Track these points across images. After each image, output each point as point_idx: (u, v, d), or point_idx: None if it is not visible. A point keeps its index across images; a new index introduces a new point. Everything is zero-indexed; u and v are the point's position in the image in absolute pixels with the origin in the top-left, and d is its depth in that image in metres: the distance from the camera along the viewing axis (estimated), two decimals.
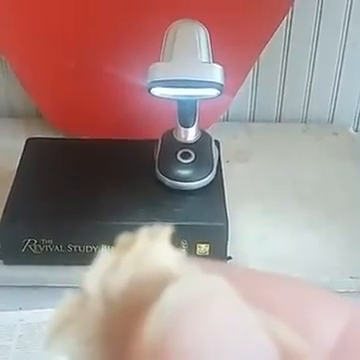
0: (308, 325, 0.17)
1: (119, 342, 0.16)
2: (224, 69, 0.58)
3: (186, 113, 0.65)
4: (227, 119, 0.87)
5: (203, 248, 0.63)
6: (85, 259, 0.60)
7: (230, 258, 0.64)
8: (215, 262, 0.18)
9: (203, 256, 0.63)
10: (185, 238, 0.62)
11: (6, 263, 0.63)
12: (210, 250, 0.63)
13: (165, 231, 0.18)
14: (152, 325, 0.15)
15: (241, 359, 0.15)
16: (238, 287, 0.16)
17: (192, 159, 0.66)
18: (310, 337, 0.16)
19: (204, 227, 0.63)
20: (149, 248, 0.17)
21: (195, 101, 0.64)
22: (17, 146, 0.71)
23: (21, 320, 0.59)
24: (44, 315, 0.58)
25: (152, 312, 0.15)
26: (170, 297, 0.15)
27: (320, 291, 0.18)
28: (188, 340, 0.15)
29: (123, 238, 0.18)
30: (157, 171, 0.66)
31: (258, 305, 0.16)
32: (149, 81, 0.58)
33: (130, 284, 0.17)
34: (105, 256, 0.17)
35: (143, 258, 0.17)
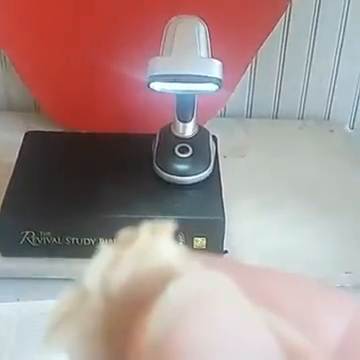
0: (312, 323, 0.16)
1: (119, 338, 0.16)
2: (223, 64, 0.59)
3: (184, 108, 0.65)
4: (224, 115, 0.88)
5: (200, 242, 0.63)
6: (83, 252, 0.61)
7: (226, 252, 0.64)
8: (218, 258, 0.18)
9: (200, 250, 0.63)
10: (182, 232, 0.62)
11: (4, 255, 0.63)
12: (207, 244, 0.63)
13: (167, 226, 0.17)
14: (155, 321, 0.15)
15: (245, 356, 0.15)
16: (241, 283, 0.16)
17: (190, 154, 0.66)
18: (314, 335, 0.16)
19: (201, 221, 0.63)
20: (151, 243, 0.17)
21: (194, 96, 0.64)
22: (15, 140, 0.72)
23: (19, 312, 0.59)
24: (42, 307, 0.59)
25: (155, 308, 0.15)
26: (173, 293, 0.15)
27: (324, 287, 0.18)
28: (191, 336, 0.14)
29: (125, 233, 0.17)
30: (155, 165, 0.66)
31: (261, 302, 0.16)
32: (148, 75, 0.59)
33: (131, 280, 0.16)
34: (106, 251, 0.17)
35: (145, 254, 0.17)
